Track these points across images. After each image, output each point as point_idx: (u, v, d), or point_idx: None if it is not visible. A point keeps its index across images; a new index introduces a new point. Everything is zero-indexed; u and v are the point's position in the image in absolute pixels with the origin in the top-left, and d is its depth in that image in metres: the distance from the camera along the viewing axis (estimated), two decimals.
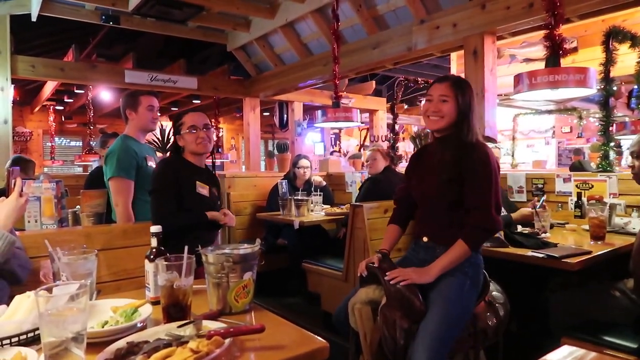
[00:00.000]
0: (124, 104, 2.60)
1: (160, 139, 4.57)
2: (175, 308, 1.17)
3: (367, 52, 4.43)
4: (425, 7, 3.90)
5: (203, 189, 2.06)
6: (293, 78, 5.54)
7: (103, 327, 1.11)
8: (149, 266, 1.38)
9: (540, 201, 2.61)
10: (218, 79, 6.21)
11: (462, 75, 3.66)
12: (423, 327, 1.58)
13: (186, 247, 1.20)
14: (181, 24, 5.12)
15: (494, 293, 1.84)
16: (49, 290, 0.98)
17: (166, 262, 1.18)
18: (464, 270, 1.71)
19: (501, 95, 5.76)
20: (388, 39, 4.21)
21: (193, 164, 2.10)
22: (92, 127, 6.50)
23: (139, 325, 1.15)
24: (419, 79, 4.86)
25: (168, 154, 2.40)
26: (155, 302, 1.33)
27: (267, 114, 9.52)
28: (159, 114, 2.68)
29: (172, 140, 2.28)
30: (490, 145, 2.66)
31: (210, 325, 1.11)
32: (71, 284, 1.05)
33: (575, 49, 4.99)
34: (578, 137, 7.46)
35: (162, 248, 1.40)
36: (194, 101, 8.07)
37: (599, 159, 3.14)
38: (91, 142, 6.94)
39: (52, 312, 0.91)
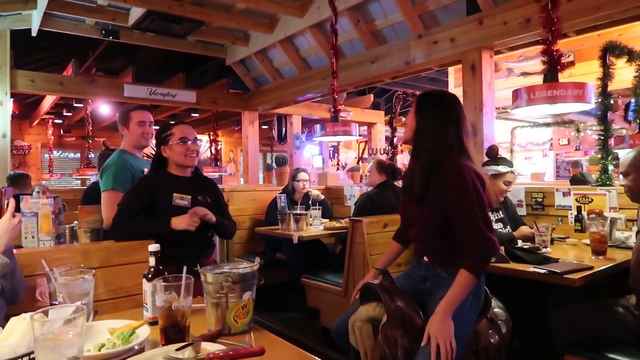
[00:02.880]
0: (117, 120, 2.61)
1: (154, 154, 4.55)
2: (173, 329, 1.15)
3: (365, 66, 4.46)
4: (423, 23, 3.93)
5: (182, 200, 2.01)
6: (292, 92, 5.56)
7: (100, 350, 1.09)
8: (147, 286, 1.36)
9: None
10: (217, 92, 6.24)
11: (460, 89, 3.70)
12: (423, 350, 1.55)
13: (185, 267, 1.18)
14: (181, 38, 5.15)
15: (495, 310, 1.82)
16: (45, 313, 0.96)
17: (164, 283, 1.16)
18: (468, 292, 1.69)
19: (499, 108, 5.79)
20: (386, 54, 4.24)
21: (175, 175, 2.07)
22: (90, 141, 6.50)
23: (136, 347, 1.13)
24: (417, 93, 4.88)
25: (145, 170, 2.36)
26: (153, 323, 1.30)
27: (266, 127, 9.54)
28: (153, 129, 2.65)
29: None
30: (504, 169, 2.64)
31: (209, 347, 1.09)
32: (67, 307, 1.04)
33: (572, 63, 5.03)
34: (576, 149, 7.48)
35: (161, 267, 1.38)
36: (192, 114, 8.09)
37: (598, 172, 3.14)
38: (89, 156, 6.94)
39: (47, 337, 0.89)
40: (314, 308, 3.34)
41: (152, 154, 3.16)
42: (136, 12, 4.36)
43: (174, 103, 5.68)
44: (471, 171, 1.67)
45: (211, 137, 7.37)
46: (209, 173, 6.86)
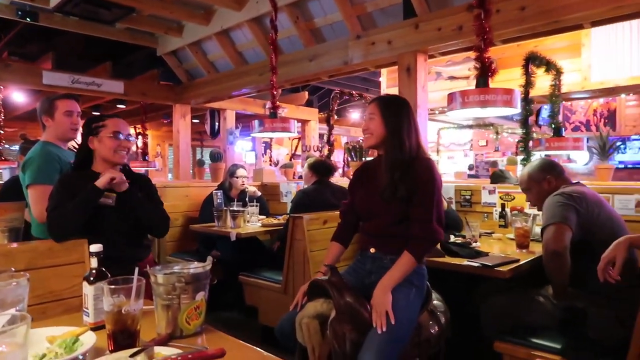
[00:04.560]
0: (39, 110, 2.39)
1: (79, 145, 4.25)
2: (123, 334, 1.09)
3: (304, 63, 4.46)
4: (361, 23, 4.02)
5: (107, 199, 1.87)
6: (227, 86, 5.44)
7: None
8: (87, 289, 1.27)
9: None
10: (146, 83, 5.94)
11: (396, 90, 3.83)
12: (370, 337, 1.61)
13: (136, 269, 1.12)
14: (109, 24, 4.84)
15: (435, 302, 1.91)
16: None
17: (113, 286, 1.09)
18: (410, 279, 1.77)
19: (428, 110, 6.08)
20: (325, 52, 4.28)
21: (100, 174, 1.89)
22: (1, 132, 5.91)
23: (80, 357, 1.05)
24: (354, 92, 4.98)
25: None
26: (95, 328, 1.22)
27: (197, 121, 9.24)
28: (80, 120, 2.47)
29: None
30: None
31: (163, 351, 1.05)
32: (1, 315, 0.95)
33: (495, 70, 5.39)
34: (495, 150, 8.05)
35: (103, 269, 1.29)
36: (118, 106, 7.63)
37: (519, 172, 3.40)
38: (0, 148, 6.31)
39: None
40: (252, 306, 3.30)
41: (75, 146, 2.93)
42: None
43: (100, 93, 5.32)
44: (436, 167, 1.84)
45: (139, 131, 7.01)
46: (136, 168, 6.52)
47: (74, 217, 1.77)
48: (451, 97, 2.64)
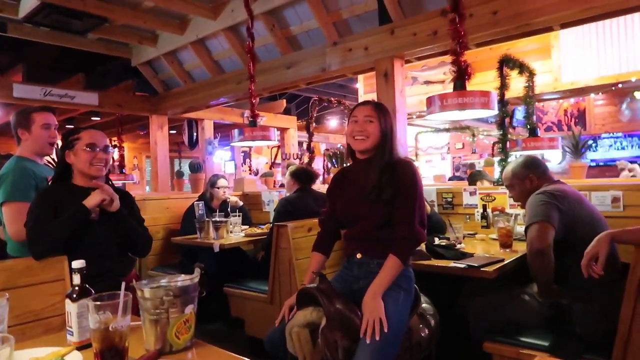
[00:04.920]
0: (14, 123, 2.32)
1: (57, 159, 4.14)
2: (110, 352, 1.05)
3: (281, 71, 4.46)
4: (337, 30, 4.04)
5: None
6: (204, 96, 5.38)
7: None
8: (71, 307, 1.23)
9: None
10: (121, 94, 5.83)
11: (375, 96, 3.86)
12: (362, 345, 1.59)
13: (123, 284, 1.09)
14: (81, 35, 4.74)
15: (423, 305, 1.91)
16: None
17: (99, 302, 1.06)
18: (397, 282, 1.77)
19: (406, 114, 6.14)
20: (302, 60, 4.28)
21: (80, 187, 1.87)
22: None
23: None
24: (332, 99, 5.00)
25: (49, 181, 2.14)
26: (80, 347, 1.18)
27: (174, 132, 9.13)
28: (57, 133, 2.42)
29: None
30: None
31: None
32: None
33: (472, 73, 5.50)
34: (473, 152, 8.19)
35: (87, 286, 1.25)
36: (92, 118, 7.47)
37: (499, 173, 3.46)
38: None
39: None
40: (238, 317, 3.25)
41: (53, 160, 2.85)
42: (28, 3, 3.92)
43: (73, 105, 5.20)
44: (417, 170, 1.87)
45: (115, 143, 6.87)
46: (114, 181, 6.38)
47: (58, 235, 1.72)
48: (430, 100, 2.67)
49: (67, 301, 1.23)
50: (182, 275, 1.30)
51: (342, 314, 1.61)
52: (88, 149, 1.84)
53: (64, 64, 5.95)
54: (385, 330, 1.59)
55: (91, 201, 1.77)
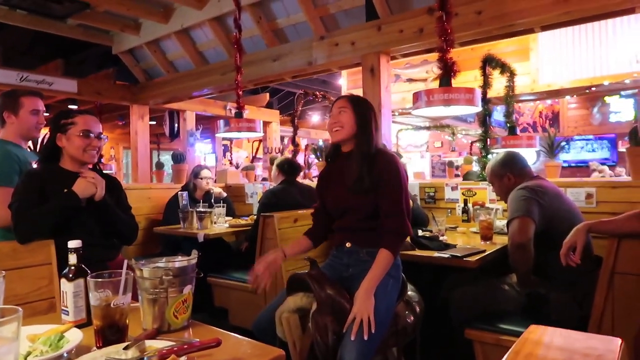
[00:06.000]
0: (0, 105, 2.28)
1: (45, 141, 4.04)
2: (111, 330, 1.06)
3: (267, 64, 4.45)
4: (324, 25, 4.06)
5: None
6: (187, 86, 5.33)
7: (26, 359, 0.96)
8: (66, 286, 1.22)
9: None
10: (101, 83, 5.71)
11: (360, 92, 3.90)
12: (347, 336, 1.63)
13: (125, 262, 1.10)
14: (60, 20, 4.63)
15: (409, 292, 1.97)
16: None
17: (100, 279, 1.06)
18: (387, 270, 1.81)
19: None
20: (289, 52, 4.29)
21: (69, 172, 1.86)
22: None
23: (65, 355, 1.01)
24: (318, 93, 5.02)
25: (35, 163, 2.12)
26: (76, 327, 1.18)
27: (153, 122, 8.99)
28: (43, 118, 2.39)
29: (45, 141, 1.97)
30: None
31: (155, 344, 1.03)
32: None
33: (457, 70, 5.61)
34: (452, 150, 8.34)
35: (82, 266, 1.25)
36: (70, 106, 7.28)
37: (479, 169, 3.55)
38: None
39: None
40: (221, 307, 3.26)
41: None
42: None
43: (51, 92, 5.06)
44: (400, 161, 1.86)
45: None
46: None
47: (45, 220, 1.71)
48: (416, 96, 2.72)
49: (63, 281, 1.23)
50: (179, 256, 1.32)
51: (333, 299, 1.65)
52: (83, 135, 1.83)
53: (38, 48, 5.79)
54: (373, 331, 1.60)
55: (83, 191, 1.76)
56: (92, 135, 1.85)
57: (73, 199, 1.75)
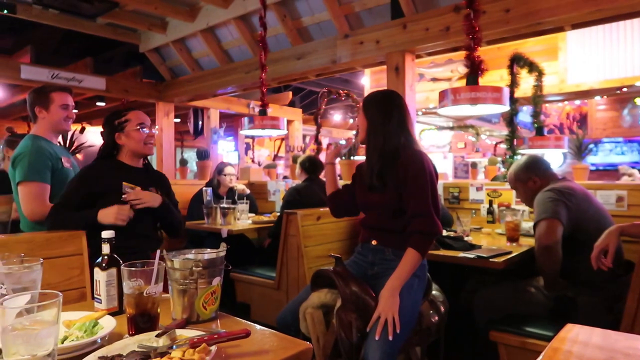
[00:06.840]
0: (32, 101, 2.34)
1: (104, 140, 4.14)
2: (143, 318, 1.08)
3: (291, 62, 4.47)
4: (349, 23, 4.05)
5: (131, 190, 1.92)
6: (211, 84, 5.39)
7: (63, 343, 0.98)
8: (99, 275, 1.26)
9: None
10: (129, 80, 5.83)
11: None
12: (375, 326, 1.63)
13: (158, 252, 1.12)
14: (89, 19, 4.74)
15: (434, 292, 1.95)
16: None
17: (133, 269, 1.09)
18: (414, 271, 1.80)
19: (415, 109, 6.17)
20: (313, 51, 4.30)
21: (126, 165, 1.98)
22: None
23: (99, 341, 1.04)
24: (341, 91, 5.01)
25: (75, 154, 2.24)
26: (109, 315, 1.21)
27: (177, 120, 9.12)
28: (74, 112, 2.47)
29: (99, 141, 2.08)
30: None
31: (185, 333, 1.04)
32: (21, 296, 0.93)
33: (485, 69, 5.54)
34: (476, 151, 8.23)
35: (115, 255, 1.28)
36: (97, 103, 7.46)
37: (505, 169, 3.49)
38: None
39: (16, 326, 0.79)
40: (244, 303, 3.29)
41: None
42: None
43: (80, 89, 5.19)
44: (427, 158, 1.82)
45: None
46: None
47: (71, 226, 1.80)
48: (443, 94, 2.69)
49: (96, 270, 1.26)
50: (208, 249, 1.34)
51: (358, 296, 1.65)
52: (140, 128, 1.94)
53: (69, 47, 5.94)
54: (397, 331, 1.59)
55: (104, 218, 1.83)
56: (146, 126, 1.96)
57: (92, 219, 1.83)
